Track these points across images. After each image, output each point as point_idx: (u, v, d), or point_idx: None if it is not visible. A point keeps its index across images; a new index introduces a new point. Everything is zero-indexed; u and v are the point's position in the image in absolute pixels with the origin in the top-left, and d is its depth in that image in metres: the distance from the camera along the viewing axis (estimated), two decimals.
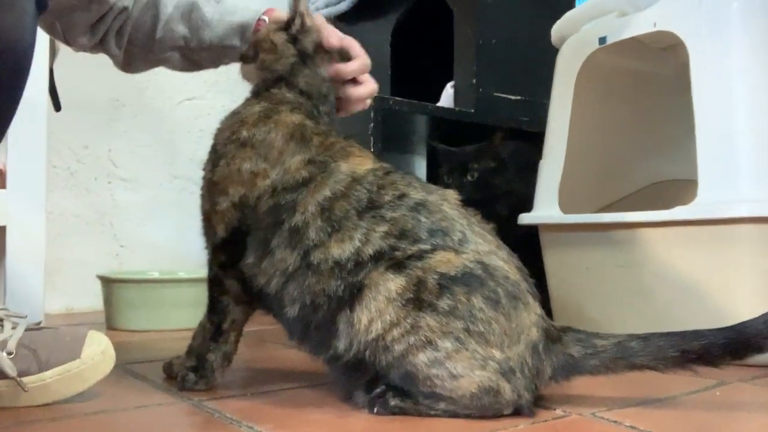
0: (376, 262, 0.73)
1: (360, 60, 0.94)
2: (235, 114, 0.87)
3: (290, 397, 0.83)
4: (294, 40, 0.89)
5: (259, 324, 0.92)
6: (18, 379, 0.75)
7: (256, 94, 0.89)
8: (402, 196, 0.77)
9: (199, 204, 0.87)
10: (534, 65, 1.87)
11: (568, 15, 1.36)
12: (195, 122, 2.05)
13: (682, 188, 1.48)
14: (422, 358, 0.70)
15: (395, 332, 0.71)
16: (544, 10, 1.84)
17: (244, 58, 0.94)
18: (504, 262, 0.75)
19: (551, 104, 1.37)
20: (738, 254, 1.01)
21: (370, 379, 0.75)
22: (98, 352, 0.80)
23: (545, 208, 1.31)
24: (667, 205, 1.45)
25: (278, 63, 0.89)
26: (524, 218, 1.34)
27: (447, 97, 1.83)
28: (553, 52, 1.90)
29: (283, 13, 0.99)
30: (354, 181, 0.78)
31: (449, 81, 1.89)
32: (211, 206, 0.83)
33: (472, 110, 1.74)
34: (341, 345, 0.74)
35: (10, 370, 0.75)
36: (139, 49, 1.04)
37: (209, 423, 0.72)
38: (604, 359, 0.74)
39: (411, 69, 1.95)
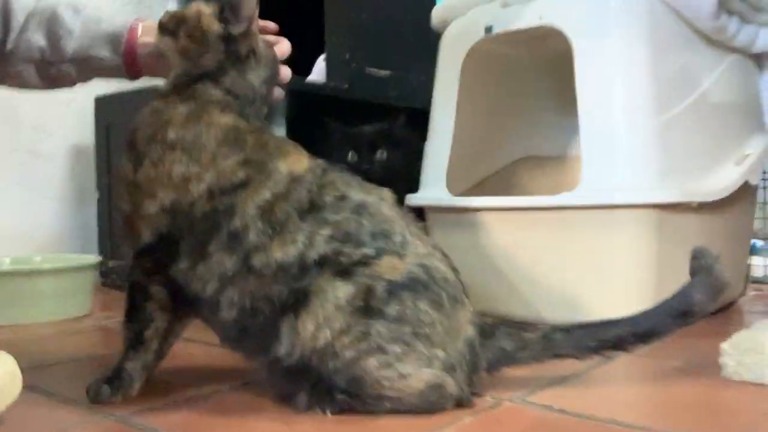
0: (321, 267, 0.73)
1: (284, 44, 0.91)
2: (156, 112, 0.80)
3: (221, 402, 0.81)
4: (228, 38, 0.82)
5: None
6: None
7: (177, 90, 0.82)
8: (343, 198, 0.77)
9: (117, 205, 0.80)
10: (400, 41, 1.91)
11: (450, 0, 1.40)
12: None
13: (545, 164, 1.61)
14: (372, 362, 0.72)
15: (345, 339, 0.72)
16: None
17: (163, 29, 0.85)
18: (441, 263, 0.78)
19: (436, 87, 1.41)
20: (616, 237, 1.12)
21: (313, 383, 0.75)
22: (3, 374, 0.72)
23: (432, 190, 1.36)
24: (531, 184, 1.57)
25: (205, 57, 0.82)
26: (411, 199, 1.38)
27: (319, 71, 1.81)
28: (419, 28, 1.95)
29: (154, 21, 0.92)
30: (293, 181, 0.76)
31: (319, 53, 1.87)
32: (134, 208, 0.77)
33: (346, 85, 1.74)
34: (282, 350, 0.74)
35: None
36: None
37: None
38: (533, 351, 0.80)
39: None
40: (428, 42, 1.97)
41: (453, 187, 1.35)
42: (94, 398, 0.79)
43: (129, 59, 0.95)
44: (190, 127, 0.78)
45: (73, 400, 0.81)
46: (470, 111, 1.40)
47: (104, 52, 0.93)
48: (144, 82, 1.96)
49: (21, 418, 0.75)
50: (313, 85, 1.71)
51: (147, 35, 0.95)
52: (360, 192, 0.78)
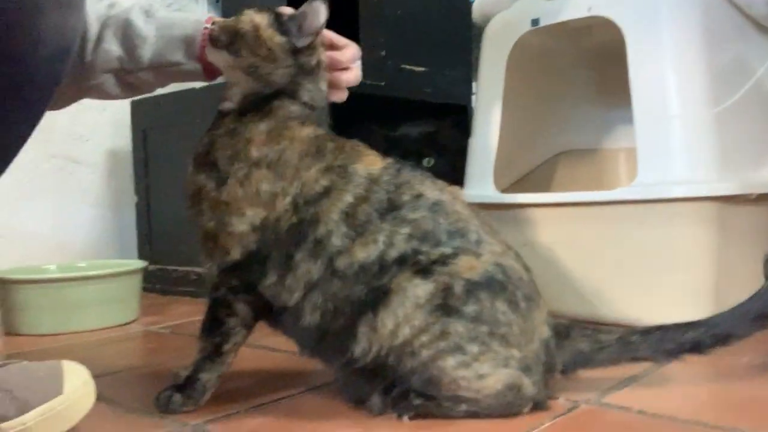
0: (401, 266, 0.73)
1: (352, 47, 0.89)
2: (232, 131, 0.78)
3: (295, 408, 0.80)
4: (295, 50, 0.80)
5: None
6: None
7: (251, 108, 0.79)
8: (419, 196, 0.76)
9: (195, 220, 0.79)
10: (433, 37, 1.89)
11: None
12: None
13: (585, 158, 1.59)
14: (450, 362, 0.71)
15: (423, 338, 0.71)
16: None
17: (215, 42, 0.82)
18: (515, 262, 0.77)
19: (480, 82, 1.39)
20: (675, 231, 1.10)
21: (387, 385, 0.74)
22: (80, 384, 0.72)
23: (479, 187, 1.34)
24: (572, 177, 1.55)
25: (275, 74, 0.80)
26: None
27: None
28: (453, 24, 1.93)
29: (223, 19, 0.89)
30: (372, 182, 0.76)
31: None
32: (220, 226, 0.77)
33: (383, 83, 1.72)
34: (358, 349, 0.73)
35: None
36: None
37: None
38: (610, 353, 0.79)
39: None
40: (463, 38, 1.96)
41: (497, 183, 1.33)
42: (165, 407, 0.78)
43: (205, 62, 0.91)
44: (273, 144, 0.77)
45: (139, 408, 0.81)
46: (515, 106, 1.39)
47: (179, 57, 0.91)
48: (177, 87, 1.97)
49: (95, 428, 0.74)
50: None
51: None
52: (435, 190, 0.77)
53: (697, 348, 0.79)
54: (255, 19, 0.80)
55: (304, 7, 0.80)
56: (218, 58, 0.83)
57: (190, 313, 1.47)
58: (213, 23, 0.85)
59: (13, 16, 0.56)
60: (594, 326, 0.81)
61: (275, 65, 0.80)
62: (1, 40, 0.56)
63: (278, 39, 0.80)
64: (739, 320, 0.79)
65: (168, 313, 1.51)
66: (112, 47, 0.89)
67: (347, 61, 0.89)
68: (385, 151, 1.53)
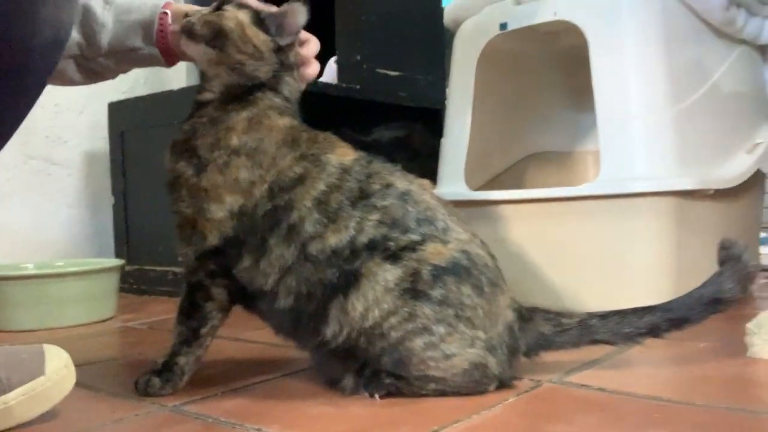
0: (371, 252, 0.76)
1: (314, 42, 0.92)
2: (214, 119, 0.81)
3: (272, 390, 0.83)
4: (278, 48, 0.83)
5: None
6: None
7: (233, 98, 0.82)
8: (389, 185, 0.80)
9: (173, 207, 0.82)
10: (408, 42, 1.94)
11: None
12: (50, 95, 1.86)
13: (555, 159, 1.64)
14: (418, 342, 0.74)
15: (392, 320, 0.74)
16: None
17: (193, 36, 0.84)
18: (481, 250, 0.81)
19: (451, 85, 1.44)
20: (636, 225, 1.15)
21: (359, 366, 0.78)
22: (61, 366, 0.74)
23: (450, 185, 1.38)
24: (542, 178, 1.60)
25: (260, 71, 0.83)
26: None
27: (330, 73, 1.83)
28: (428, 29, 1.97)
29: (182, 5, 0.93)
30: (344, 171, 0.80)
31: (327, 57, 1.89)
32: (198, 212, 0.79)
33: (358, 86, 1.76)
34: (330, 331, 0.77)
35: None
36: None
37: (211, 430, 0.70)
38: (571, 336, 0.82)
39: None
40: (437, 43, 2.01)
41: (468, 183, 1.37)
42: (144, 390, 0.81)
43: (163, 47, 0.93)
44: (252, 132, 0.80)
45: (119, 393, 0.84)
46: (485, 108, 1.43)
47: (138, 42, 0.93)
48: (155, 87, 1.99)
49: (76, 410, 0.77)
50: (325, 86, 1.73)
51: (177, 22, 0.92)
52: (404, 181, 0.81)
53: (653, 332, 0.83)
54: (239, 16, 0.83)
55: (285, 7, 0.83)
56: (196, 51, 0.85)
57: (167, 311, 1.48)
58: (186, 16, 0.86)
59: (12, 5, 0.58)
60: (557, 311, 0.84)
61: (261, 62, 0.83)
62: (2, 24, 0.58)
63: (263, 37, 0.83)
64: (693, 305, 0.83)
65: (145, 311, 1.53)
66: (72, 34, 0.89)
67: (310, 56, 0.91)
68: None
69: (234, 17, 0.83)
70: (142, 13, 0.93)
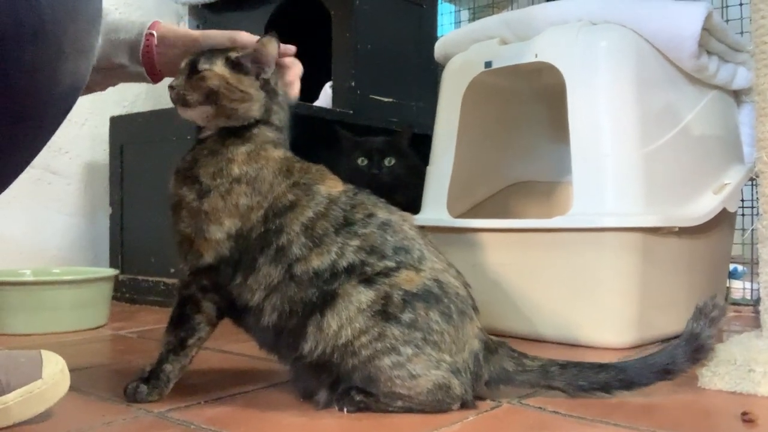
0: (349, 275, 0.83)
1: (298, 66, 0.98)
2: (214, 152, 0.88)
3: (251, 401, 0.90)
4: (264, 83, 0.91)
5: None
6: None
7: (235, 134, 0.89)
8: (371, 215, 0.87)
9: (174, 227, 0.89)
10: (401, 70, 2.02)
11: (453, 36, 1.51)
12: None
13: (537, 189, 1.71)
14: (386, 361, 0.81)
15: (363, 339, 0.81)
16: (409, 21, 1.99)
17: (188, 104, 0.89)
18: (455, 279, 0.87)
19: (438, 116, 1.51)
20: (604, 258, 1.22)
21: (333, 381, 0.84)
22: (57, 371, 0.80)
23: (433, 211, 1.45)
24: (524, 207, 1.67)
25: (253, 110, 0.90)
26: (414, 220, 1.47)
27: (325, 97, 1.90)
28: (420, 59, 2.05)
29: (167, 25, 0.99)
30: (331, 201, 0.87)
31: (322, 80, 1.97)
32: (197, 232, 0.86)
33: (351, 111, 1.84)
34: (307, 347, 0.83)
35: None
36: None
37: None
38: (530, 377, 0.88)
39: None
40: (428, 72, 2.09)
41: (451, 210, 1.45)
42: (132, 396, 0.87)
43: (148, 66, 1.00)
44: (252, 163, 0.87)
45: (108, 398, 0.90)
46: (470, 139, 1.51)
47: (125, 60, 0.99)
48: (156, 104, 2.06)
49: (69, 413, 0.83)
50: (320, 110, 1.80)
51: (163, 43, 0.99)
52: (385, 212, 0.89)
53: (605, 389, 0.89)
54: (216, 71, 0.88)
55: (256, 44, 0.90)
56: (194, 114, 0.90)
57: (158, 320, 1.54)
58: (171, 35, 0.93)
59: (41, 60, 0.64)
60: (520, 352, 0.90)
61: (252, 102, 0.90)
62: (28, 78, 0.65)
63: (246, 81, 0.90)
64: (645, 370, 0.88)
65: (136, 320, 1.59)
66: None
67: (294, 79, 0.98)
68: (349, 151, 1.68)
69: (214, 75, 0.88)
70: (129, 33, 0.98)
